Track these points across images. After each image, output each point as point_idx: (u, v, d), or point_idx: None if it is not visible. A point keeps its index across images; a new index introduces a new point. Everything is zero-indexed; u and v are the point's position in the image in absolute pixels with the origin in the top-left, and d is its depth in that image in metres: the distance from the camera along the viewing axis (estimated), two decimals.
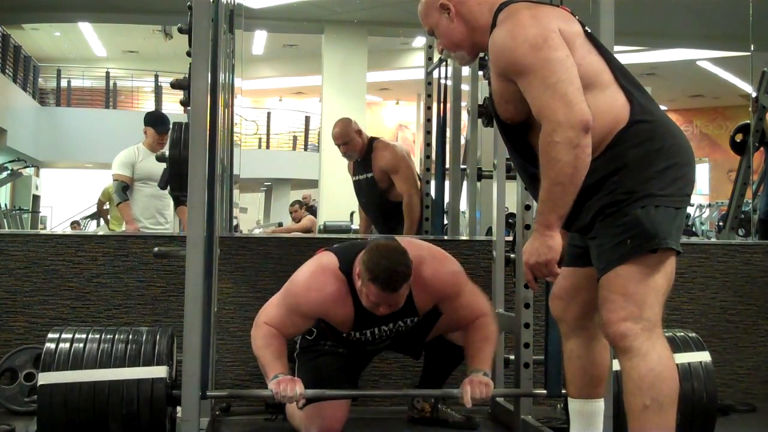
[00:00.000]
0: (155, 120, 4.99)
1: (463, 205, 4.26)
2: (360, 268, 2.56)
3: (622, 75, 2.00)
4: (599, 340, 2.22)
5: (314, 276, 2.69)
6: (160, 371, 2.57)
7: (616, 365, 2.65)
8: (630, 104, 1.95)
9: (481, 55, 2.28)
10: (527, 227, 2.93)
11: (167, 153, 2.89)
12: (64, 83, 14.43)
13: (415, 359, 3.10)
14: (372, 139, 4.44)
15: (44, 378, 2.53)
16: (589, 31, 2.05)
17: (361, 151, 4.39)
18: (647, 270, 1.90)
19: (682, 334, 2.89)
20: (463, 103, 4.08)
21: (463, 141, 4.13)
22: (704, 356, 2.81)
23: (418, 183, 4.33)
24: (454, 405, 3.04)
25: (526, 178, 2.14)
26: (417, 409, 3.09)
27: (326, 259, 2.73)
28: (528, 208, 2.92)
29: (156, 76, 13.99)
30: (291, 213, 9.18)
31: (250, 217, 12.02)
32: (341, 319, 2.71)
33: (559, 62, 1.87)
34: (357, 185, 4.48)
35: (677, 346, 2.75)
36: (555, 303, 2.26)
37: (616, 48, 2.42)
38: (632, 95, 1.97)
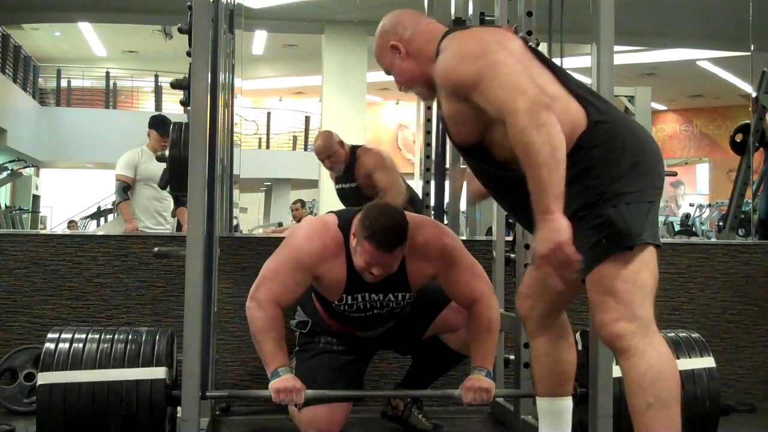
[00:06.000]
0: (158, 122, 5.14)
1: (463, 206, 4.26)
2: (356, 227, 2.54)
3: (571, 83, 2.03)
4: (565, 339, 2.25)
5: (315, 228, 2.70)
6: (159, 372, 2.56)
7: (616, 371, 2.67)
8: (585, 108, 1.98)
9: None
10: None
11: (167, 153, 2.89)
12: (64, 83, 14.45)
13: (402, 355, 3.08)
14: (354, 148, 4.44)
15: (43, 378, 2.52)
16: (533, 47, 2.11)
17: (346, 161, 4.39)
18: (630, 267, 1.90)
19: (685, 334, 2.86)
20: None
21: None
22: (709, 362, 2.77)
23: (402, 185, 4.32)
24: (438, 405, 3.04)
25: (497, 186, 2.16)
26: (391, 406, 3.04)
27: (326, 216, 2.75)
28: None
29: (156, 76, 14.02)
30: (292, 211, 9.18)
31: (250, 217, 12.02)
32: (334, 277, 2.65)
33: (501, 63, 1.91)
34: (341, 192, 4.50)
35: (681, 349, 2.74)
36: (521, 302, 2.28)
37: (616, 48, 2.42)
38: (585, 100, 2.00)
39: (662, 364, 1.87)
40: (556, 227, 1.79)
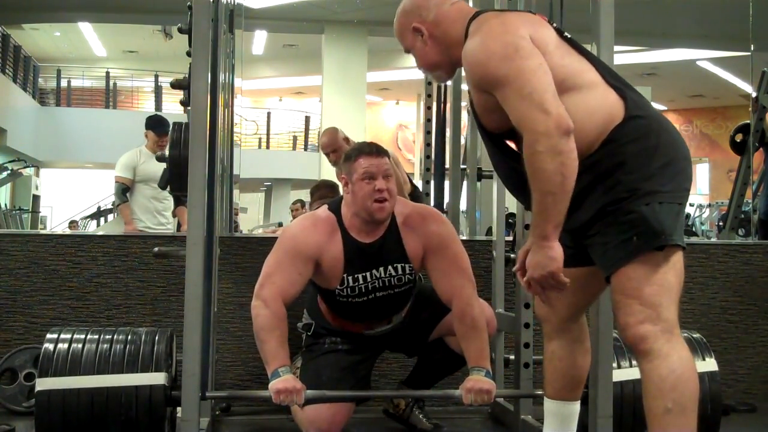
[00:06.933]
0: (154, 123, 5.20)
1: (463, 205, 4.27)
2: (345, 173, 2.69)
3: (609, 74, 1.99)
4: (582, 343, 2.21)
5: (305, 218, 2.84)
6: (158, 378, 2.56)
7: (617, 375, 2.66)
8: (623, 100, 1.94)
9: None
10: (527, 227, 2.92)
11: (167, 153, 2.89)
12: (64, 83, 14.45)
13: (408, 356, 3.09)
14: None
15: (42, 384, 2.52)
16: (568, 36, 2.03)
17: None
18: (657, 269, 1.87)
19: (686, 335, 2.83)
20: (463, 103, 4.08)
21: (463, 141, 4.13)
22: (711, 365, 2.77)
23: (406, 186, 4.36)
24: (438, 405, 3.04)
25: (517, 182, 2.07)
26: (393, 404, 3.06)
27: (315, 210, 2.89)
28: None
29: (156, 76, 14.02)
30: (292, 212, 9.17)
31: (250, 217, 12.02)
32: (333, 256, 2.69)
33: (531, 71, 1.85)
34: None
35: None
36: (541, 303, 2.24)
37: (616, 48, 2.41)
38: (624, 92, 1.96)
39: (684, 368, 1.84)
40: (552, 256, 1.86)
